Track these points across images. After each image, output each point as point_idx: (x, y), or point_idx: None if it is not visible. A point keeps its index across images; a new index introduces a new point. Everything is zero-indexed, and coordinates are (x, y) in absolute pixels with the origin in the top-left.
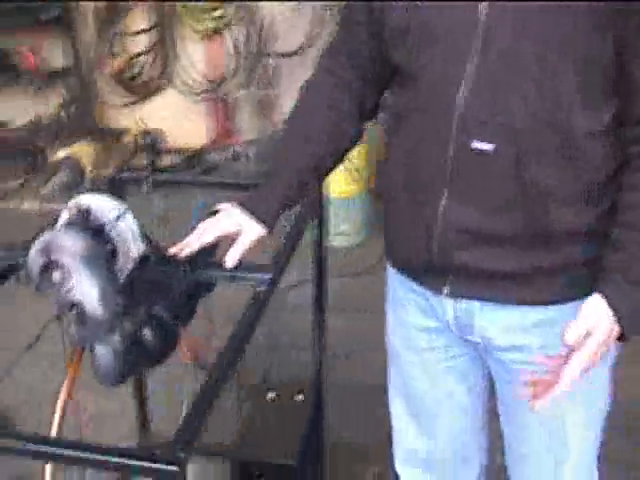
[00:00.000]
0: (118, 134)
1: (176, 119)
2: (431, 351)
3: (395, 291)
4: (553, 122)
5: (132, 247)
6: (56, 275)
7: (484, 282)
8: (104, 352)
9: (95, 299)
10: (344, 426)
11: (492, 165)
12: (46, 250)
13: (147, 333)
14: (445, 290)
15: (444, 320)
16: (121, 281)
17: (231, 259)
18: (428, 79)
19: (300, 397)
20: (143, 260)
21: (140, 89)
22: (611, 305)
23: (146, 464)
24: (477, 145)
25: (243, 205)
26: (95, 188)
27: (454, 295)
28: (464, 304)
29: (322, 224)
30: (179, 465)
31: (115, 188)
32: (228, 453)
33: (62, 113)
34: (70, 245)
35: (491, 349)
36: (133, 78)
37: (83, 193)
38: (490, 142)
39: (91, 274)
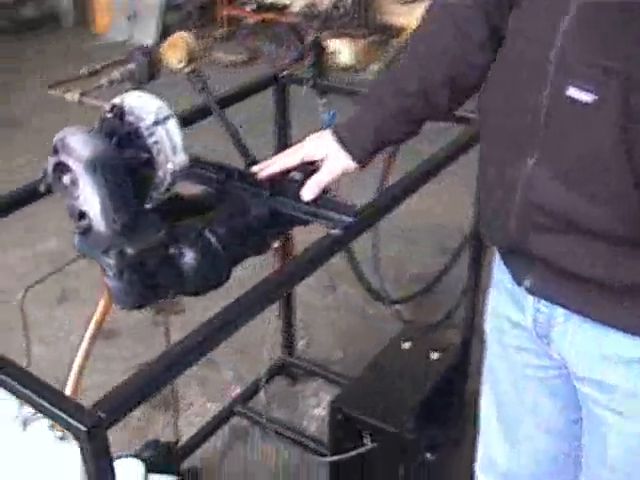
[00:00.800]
0: (393, 31)
1: None
2: (519, 351)
3: (495, 270)
4: None
5: (170, 158)
6: (66, 178)
7: (571, 285)
8: (109, 272)
9: (97, 212)
10: None
11: (590, 123)
12: (57, 149)
13: (188, 256)
14: (526, 282)
15: (527, 318)
16: (155, 195)
17: (308, 190)
18: None
19: (435, 355)
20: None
21: None
22: None
23: (58, 412)
24: (573, 93)
25: (334, 131)
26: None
27: (533, 292)
28: (545, 308)
29: None
30: (89, 425)
31: (279, 86)
32: (337, 399)
33: (339, 4)
34: (79, 148)
35: (570, 373)
36: None
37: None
38: (590, 90)
39: (95, 183)
